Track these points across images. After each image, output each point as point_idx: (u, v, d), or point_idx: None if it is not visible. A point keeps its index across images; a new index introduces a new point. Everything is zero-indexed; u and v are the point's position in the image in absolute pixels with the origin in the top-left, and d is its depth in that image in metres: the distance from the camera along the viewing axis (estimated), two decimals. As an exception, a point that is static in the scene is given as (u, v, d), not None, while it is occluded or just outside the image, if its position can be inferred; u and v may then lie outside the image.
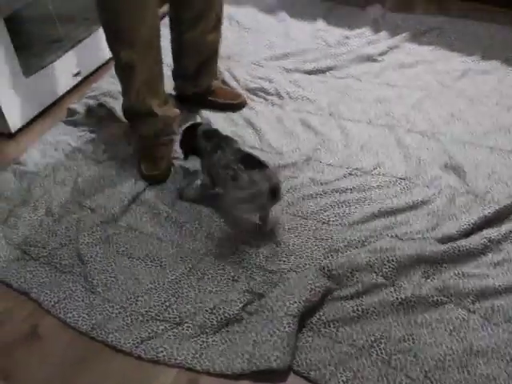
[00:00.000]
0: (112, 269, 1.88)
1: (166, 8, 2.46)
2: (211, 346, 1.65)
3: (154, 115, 2.20)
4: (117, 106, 2.57)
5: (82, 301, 1.80)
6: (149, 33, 2.04)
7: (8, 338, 1.72)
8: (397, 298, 1.71)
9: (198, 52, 2.35)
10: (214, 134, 2.05)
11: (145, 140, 2.27)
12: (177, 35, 2.32)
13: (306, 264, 1.85)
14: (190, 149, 2.11)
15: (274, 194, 1.84)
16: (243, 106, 2.54)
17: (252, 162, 1.87)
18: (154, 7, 2.02)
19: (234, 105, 2.52)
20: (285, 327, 1.61)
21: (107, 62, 2.88)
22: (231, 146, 1.98)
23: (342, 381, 1.53)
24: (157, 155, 2.23)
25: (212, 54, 2.43)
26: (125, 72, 2.12)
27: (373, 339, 1.63)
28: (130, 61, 2.04)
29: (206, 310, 1.73)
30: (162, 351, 1.64)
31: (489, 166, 2.19)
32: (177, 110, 2.33)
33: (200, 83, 2.46)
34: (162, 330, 1.70)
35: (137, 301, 1.78)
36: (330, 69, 2.77)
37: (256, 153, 2.24)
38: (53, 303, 1.79)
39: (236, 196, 1.88)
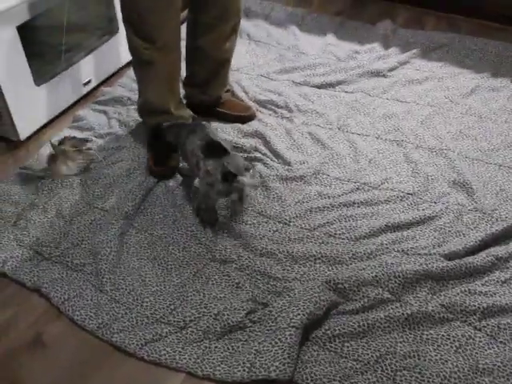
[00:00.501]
0: (121, 270, 1.90)
1: (185, 13, 2.48)
2: (213, 351, 1.66)
3: (170, 114, 2.26)
4: (124, 111, 2.60)
5: (91, 300, 1.82)
6: (171, 33, 2.11)
7: (13, 345, 1.72)
8: (403, 314, 1.71)
9: (209, 59, 2.37)
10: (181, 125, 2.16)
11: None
12: (192, 40, 2.34)
13: (310, 274, 1.86)
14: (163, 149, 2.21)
15: (226, 179, 1.90)
16: (253, 119, 2.55)
17: (214, 149, 1.95)
18: (178, 9, 2.08)
19: (243, 117, 2.53)
20: (287, 338, 1.61)
21: (118, 71, 2.90)
22: (201, 131, 2.04)
23: (347, 396, 1.53)
24: (167, 153, 2.28)
25: (223, 63, 2.44)
26: (144, 69, 2.18)
27: (378, 355, 1.62)
28: (150, 58, 2.11)
29: (210, 316, 1.74)
30: (164, 354, 1.65)
31: (497, 183, 2.19)
32: (190, 112, 2.39)
33: (209, 92, 2.48)
34: (166, 332, 1.71)
35: (143, 302, 1.80)
36: (339, 83, 2.78)
37: (266, 163, 2.28)
38: (62, 300, 1.81)
39: (200, 186, 2.02)
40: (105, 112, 2.62)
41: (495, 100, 2.65)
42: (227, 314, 1.73)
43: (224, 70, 2.48)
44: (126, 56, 2.89)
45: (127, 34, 2.14)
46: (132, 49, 2.16)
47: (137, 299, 1.81)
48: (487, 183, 2.19)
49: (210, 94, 2.49)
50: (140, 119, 2.47)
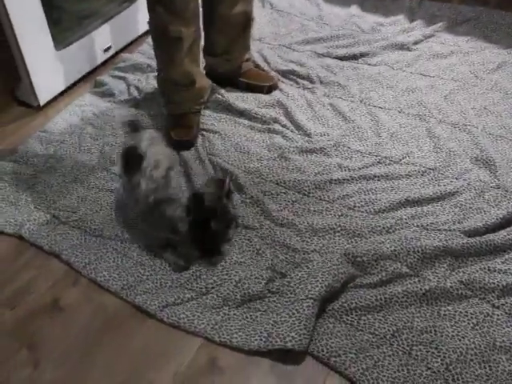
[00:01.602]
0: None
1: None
2: (232, 319, 1.67)
3: (193, 84, 2.26)
4: (144, 78, 2.60)
5: (114, 261, 1.84)
6: (195, 3, 2.09)
7: (31, 309, 1.74)
8: (421, 289, 1.69)
9: (230, 25, 2.34)
10: None
11: (177, 108, 2.31)
12: (209, 9, 2.31)
13: (328, 246, 1.85)
14: None
15: None
16: (275, 89, 2.52)
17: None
18: None
19: (266, 87, 2.50)
20: (304, 310, 1.61)
21: (138, 38, 2.88)
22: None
23: (362, 368, 1.52)
24: (188, 123, 2.28)
25: (245, 26, 2.40)
26: (171, 46, 2.15)
27: (395, 329, 1.61)
28: (178, 34, 2.09)
29: (231, 283, 1.74)
30: (183, 318, 1.67)
31: (521, 161, 2.15)
32: (209, 81, 2.38)
33: (233, 58, 2.45)
34: (188, 298, 1.73)
35: (169, 266, 1.81)
36: (362, 55, 2.74)
37: (285, 135, 2.29)
38: (84, 264, 1.83)
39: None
40: (124, 78, 2.62)
41: (522, 76, 2.59)
42: (248, 283, 1.73)
43: (244, 33, 2.44)
44: (145, 23, 2.86)
45: (155, 14, 2.09)
46: (160, 28, 2.12)
47: (162, 263, 1.83)
48: (511, 161, 2.14)
49: (232, 61, 2.46)
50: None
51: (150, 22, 2.18)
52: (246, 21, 2.39)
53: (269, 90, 2.50)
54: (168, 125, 2.31)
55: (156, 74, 2.39)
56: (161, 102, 2.41)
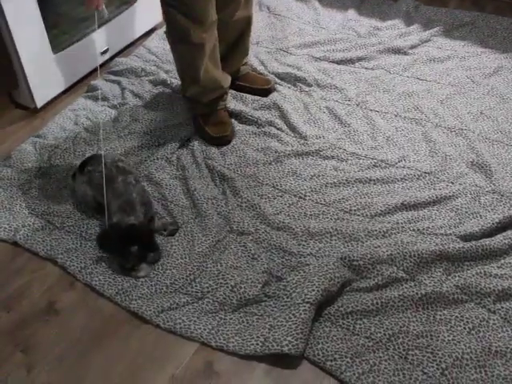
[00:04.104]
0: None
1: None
2: (228, 323, 1.67)
3: (221, 88, 2.29)
4: (138, 82, 2.59)
5: (109, 266, 1.83)
6: (213, 7, 2.08)
7: (26, 312, 1.74)
8: (417, 294, 1.69)
9: (230, 30, 2.34)
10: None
11: (206, 108, 2.33)
12: None
13: (325, 250, 1.85)
14: None
15: None
16: (272, 92, 2.52)
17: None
18: None
19: (263, 90, 2.51)
20: (301, 314, 1.61)
21: (135, 41, 2.88)
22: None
23: (358, 373, 1.53)
24: (221, 120, 2.32)
25: (245, 31, 2.41)
26: (192, 51, 2.14)
27: (391, 333, 1.61)
28: (200, 40, 2.09)
29: (227, 287, 1.74)
30: (180, 323, 1.67)
31: (517, 165, 2.15)
32: (229, 76, 2.39)
33: (230, 63, 2.45)
34: (184, 302, 1.73)
35: (164, 272, 1.82)
36: (359, 59, 2.74)
37: (281, 139, 2.28)
38: (79, 269, 1.83)
39: None
40: (118, 82, 2.61)
41: (518, 81, 2.60)
42: (244, 287, 1.73)
43: (244, 39, 2.44)
44: (143, 26, 2.88)
45: (173, 19, 2.05)
46: (179, 33, 2.09)
47: (158, 268, 1.83)
48: (507, 165, 2.15)
49: (231, 65, 2.46)
50: (153, 91, 2.49)
51: (168, 32, 2.17)
52: (247, 26, 2.39)
53: (266, 92, 2.51)
54: (202, 124, 2.32)
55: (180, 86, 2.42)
56: (185, 104, 2.42)
